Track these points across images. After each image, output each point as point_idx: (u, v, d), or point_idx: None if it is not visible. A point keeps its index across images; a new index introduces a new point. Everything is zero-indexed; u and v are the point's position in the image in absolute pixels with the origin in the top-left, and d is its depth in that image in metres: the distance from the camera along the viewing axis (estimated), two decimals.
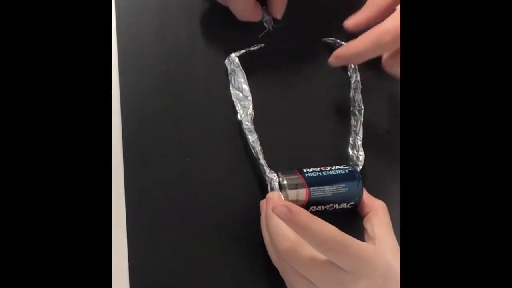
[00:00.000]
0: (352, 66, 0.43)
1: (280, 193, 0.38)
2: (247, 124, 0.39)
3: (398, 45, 0.37)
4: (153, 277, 0.38)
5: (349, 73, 0.42)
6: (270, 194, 0.38)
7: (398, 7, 0.38)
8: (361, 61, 0.40)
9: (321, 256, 0.34)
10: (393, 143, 0.45)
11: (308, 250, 0.35)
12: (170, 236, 0.38)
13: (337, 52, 0.40)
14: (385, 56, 0.40)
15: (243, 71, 0.39)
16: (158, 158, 0.38)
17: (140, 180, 0.38)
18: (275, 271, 0.38)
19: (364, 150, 0.42)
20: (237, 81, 0.39)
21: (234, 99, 0.40)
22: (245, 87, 0.39)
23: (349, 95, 0.43)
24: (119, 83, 0.37)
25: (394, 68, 0.40)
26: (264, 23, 0.41)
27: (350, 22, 0.41)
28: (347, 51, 0.40)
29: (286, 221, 0.34)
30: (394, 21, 0.36)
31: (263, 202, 0.39)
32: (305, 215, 0.33)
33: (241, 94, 0.39)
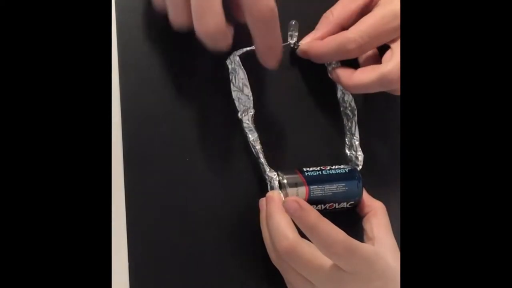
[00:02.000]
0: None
1: (280, 191, 0.38)
2: (248, 123, 0.39)
3: (360, 53, 0.38)
4: (153, 277, 0.38)
5: (330, 75, 0.42)
6: (270, 193, 0.38)
7: (364, 18, 0.37)
8: (322, 62, 0.40)
9: (320, 256, 0.34)
10: (391, 140, 0.45)
11: (308, 250, 0.35)
12: (170, 235, 0.38)
13: (303, 47, 0.40)
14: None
15: (244, 70, 0.39)
16: (158, 158, 0.38)
17: (140, 180, 0.38)
18: (275, 270, 0.39)
19: (362, 149, 0.42)
20: (238, 80, 0.39)
21: (234, 98, 0.40)
22: (246, 86, 0.39)
23: (336, 96, 0.43)
24: (119, 83, 0.37)
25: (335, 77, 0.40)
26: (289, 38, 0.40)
27: (305, 47, 0.40)
28: (311, 50, 0.39)
29: (294, 217, 0.34)
30: (359, 31, 0.36)
31: (262, 201, 0.39)
32: (314, 215, 0.33)
33: (241, 93, 0.39)
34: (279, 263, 0.38)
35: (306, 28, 0.41)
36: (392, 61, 0.36)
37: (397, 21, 0.36)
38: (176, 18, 0.34)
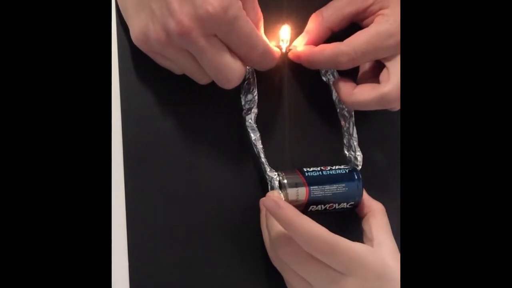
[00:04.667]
0: (328, 70, 0.42)
1: (280, 192, 0.38)
2: (250, 121, 0.39)
3: (352, 66, 0.38)
4: (153, 276, 0.38)
5: (324, 78, 0.42)
6: (270, 193, 0.38)
7: (359, 32, 0.37)
8: (313, 68, 0.40)
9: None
10: (390, 140, 0.45)
11: (304, 250, 0.35)
12: (170, 235, 0.38)
13: (295, 52, 0.40)
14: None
15: (253, 70, 0.39)
16: (158, 158, 0.38)
17: (140, 180, 0.38)
18: (276, 270, 0.39)
19: (361, 149, 0.42)
20: (247, 80, 0.39)
21: (242, 97, 0.40)
22: (254, 86, 0.39)
23: (332, 98, 0.43)
24: (119, 83, 0.37)
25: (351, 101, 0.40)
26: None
27: (298, 52, 0.40)
28: (302, 56, 0.39)
29: (273, 215, 0.35)
30: (353, 45, 0.37)
31: (263, 201, 0.39)
32: (291, 211, 0.34)
33: (249, 93, 0.39)
34: (278, 263, 0.38)
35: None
36: (390, 82, 0.37)
37: (391, 40, 0.36)
38: (197, 80, 0.36)
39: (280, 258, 0.37)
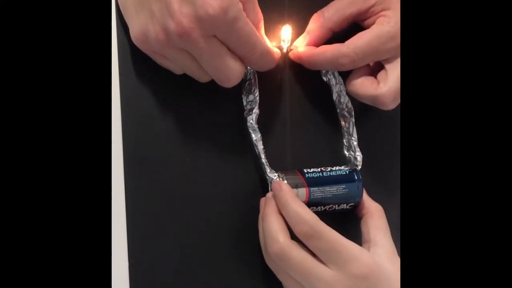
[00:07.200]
0: (329, 71, 0.42)
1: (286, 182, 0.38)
2: (251, 122, 0.39)
3: (353, 68, 0.39)
4: (153, 276, 0.38)
5: (325, 78, 0.42)
6: (269, 194, 0.38)
7: (361, 34, 0.37)
8: (313, 69, 0.40)
9: (309, 260, 0.35)
10: (390, 140, 0.45)
11: (296, 254, 0.35)
12: (170, 235, 0.38)
13: (296, 52, 0.40)
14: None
15: (255, 71, 0.39)
16: (158, 158, 0.38)
17: (140, 180, 0.38)
18: None
19: (361, 150, 0.42)
20: (249, 80, 0.39)
21: (243, 97, 0.40)
22: (256, 87, 0.39)
23: (332, 98, 0.43)
24: (119, 83, 0.37)
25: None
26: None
27: (299, 53, 0.40)
28: (303, 57, 0.39)
29: (274, 197, 0.37)
30: (354, 47, 0.37)
31: (262, 200, 0.39)
32: (289, 195, 0.36)
33: (250, 94, 0.40)
34: (271, 264, 0.38)
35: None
36: (387, 85, 0.37)
37: (393, 43, 0.37)
38: (198, 78, 0.36)
39: (272, 261, 0.37)
